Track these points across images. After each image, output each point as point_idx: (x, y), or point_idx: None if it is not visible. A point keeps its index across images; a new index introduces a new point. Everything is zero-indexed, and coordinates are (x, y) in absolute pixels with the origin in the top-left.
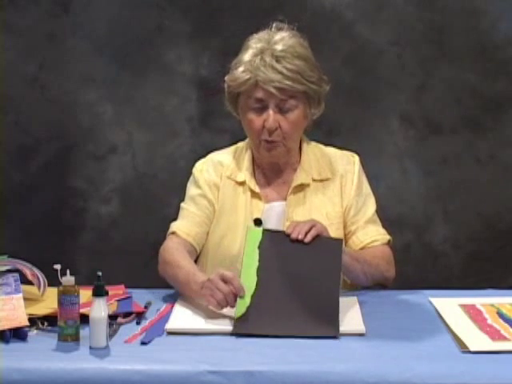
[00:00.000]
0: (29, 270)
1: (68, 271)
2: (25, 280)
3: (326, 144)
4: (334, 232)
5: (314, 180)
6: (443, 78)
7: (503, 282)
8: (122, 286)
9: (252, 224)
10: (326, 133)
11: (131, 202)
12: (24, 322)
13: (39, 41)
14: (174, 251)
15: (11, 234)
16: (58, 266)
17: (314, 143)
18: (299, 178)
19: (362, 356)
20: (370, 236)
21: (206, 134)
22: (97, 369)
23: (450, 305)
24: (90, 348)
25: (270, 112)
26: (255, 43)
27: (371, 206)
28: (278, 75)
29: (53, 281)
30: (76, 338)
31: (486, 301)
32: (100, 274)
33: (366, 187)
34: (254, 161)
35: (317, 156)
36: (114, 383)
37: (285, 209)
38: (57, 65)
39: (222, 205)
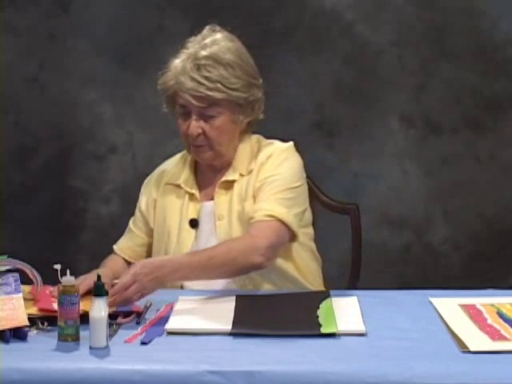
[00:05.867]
0: (28, 270)
1: (68, 271)
2: (25, 280)
3: (327, 144)
4: None
5: (241, 175)
6: (443, 77)
7: (503, 282)
8: None
9: (188, 225)
10: (326, 133)
11: (131, 202)
12: (24, 321)
13: (39, 41)
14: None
15: (11, 233)
16: (58, 266)
17: (263, 142)
18: (225, 176)
19: (362, 356)
20: (253, 211)
21: None
22: (97, 369)
23: (450, 305)
24: (90, 348)
25: (191, 119)
26: (188, 47)
27: (276, 186)
28: (194, 83)
29: (53, 281)
30: (76, 338)
31: (486, 301)
32: (100, 273)
33: (285, 171)
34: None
35: (254, 153)
36: (114, 383)
37: (213, 207)
38: (57, 65)
39: (163, 214)
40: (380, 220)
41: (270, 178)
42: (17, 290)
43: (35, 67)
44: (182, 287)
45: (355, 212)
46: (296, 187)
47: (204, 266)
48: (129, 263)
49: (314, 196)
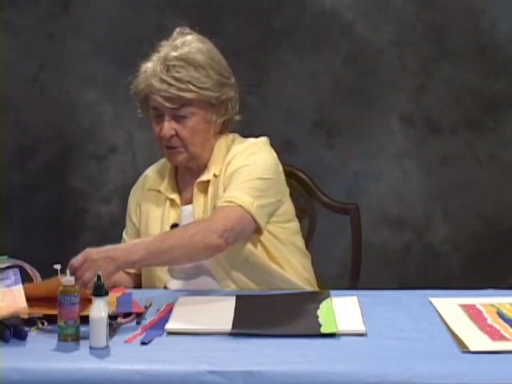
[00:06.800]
0: (29, 270)
1: (68, 271)
2: (25, 278)
3: (327, 144)
4: None
5: (215, 176)
6: (443, 78)
7: (503, 282)
8: (122, 288)
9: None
10: (326, 133)
11: None
12: (24, 310)
13: (39, 41)
14: None
15: (11, 233)
16: (58, 266)
17: (236, 140)
18: (200, 177)
19: (362, 356)
20: (218, 199)
21: None
22: (97, 369)
23: (450, 305)
24: (90, 348)
25: (164, 120)
26: (160, 51)
27: (244, 176)
28: (164, 85)
29: None
30: (76, 338)
31: (486, 301)
32: (100, 273)
33: (253, 162)
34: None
35: (226, 153)
36: (114, 383)
37: (192, 210)
38: (57, 65)
39: (146, 220)
40: (380, 220)
41: (238, 170)
42: (16, 282)
43: (35, 67)
44: (165, 288)
45: (355, 212)
46: (267, 179)
47: (159, 248)
48: (127, 273)
49: (314, 196)
